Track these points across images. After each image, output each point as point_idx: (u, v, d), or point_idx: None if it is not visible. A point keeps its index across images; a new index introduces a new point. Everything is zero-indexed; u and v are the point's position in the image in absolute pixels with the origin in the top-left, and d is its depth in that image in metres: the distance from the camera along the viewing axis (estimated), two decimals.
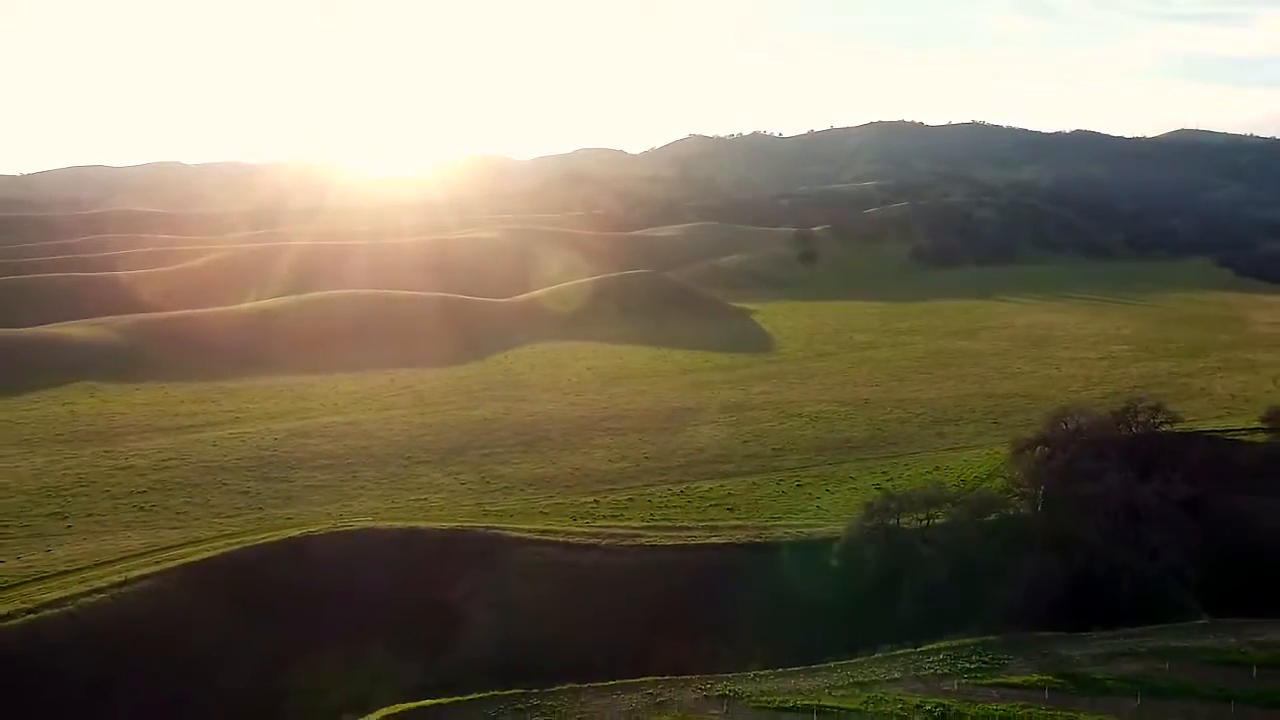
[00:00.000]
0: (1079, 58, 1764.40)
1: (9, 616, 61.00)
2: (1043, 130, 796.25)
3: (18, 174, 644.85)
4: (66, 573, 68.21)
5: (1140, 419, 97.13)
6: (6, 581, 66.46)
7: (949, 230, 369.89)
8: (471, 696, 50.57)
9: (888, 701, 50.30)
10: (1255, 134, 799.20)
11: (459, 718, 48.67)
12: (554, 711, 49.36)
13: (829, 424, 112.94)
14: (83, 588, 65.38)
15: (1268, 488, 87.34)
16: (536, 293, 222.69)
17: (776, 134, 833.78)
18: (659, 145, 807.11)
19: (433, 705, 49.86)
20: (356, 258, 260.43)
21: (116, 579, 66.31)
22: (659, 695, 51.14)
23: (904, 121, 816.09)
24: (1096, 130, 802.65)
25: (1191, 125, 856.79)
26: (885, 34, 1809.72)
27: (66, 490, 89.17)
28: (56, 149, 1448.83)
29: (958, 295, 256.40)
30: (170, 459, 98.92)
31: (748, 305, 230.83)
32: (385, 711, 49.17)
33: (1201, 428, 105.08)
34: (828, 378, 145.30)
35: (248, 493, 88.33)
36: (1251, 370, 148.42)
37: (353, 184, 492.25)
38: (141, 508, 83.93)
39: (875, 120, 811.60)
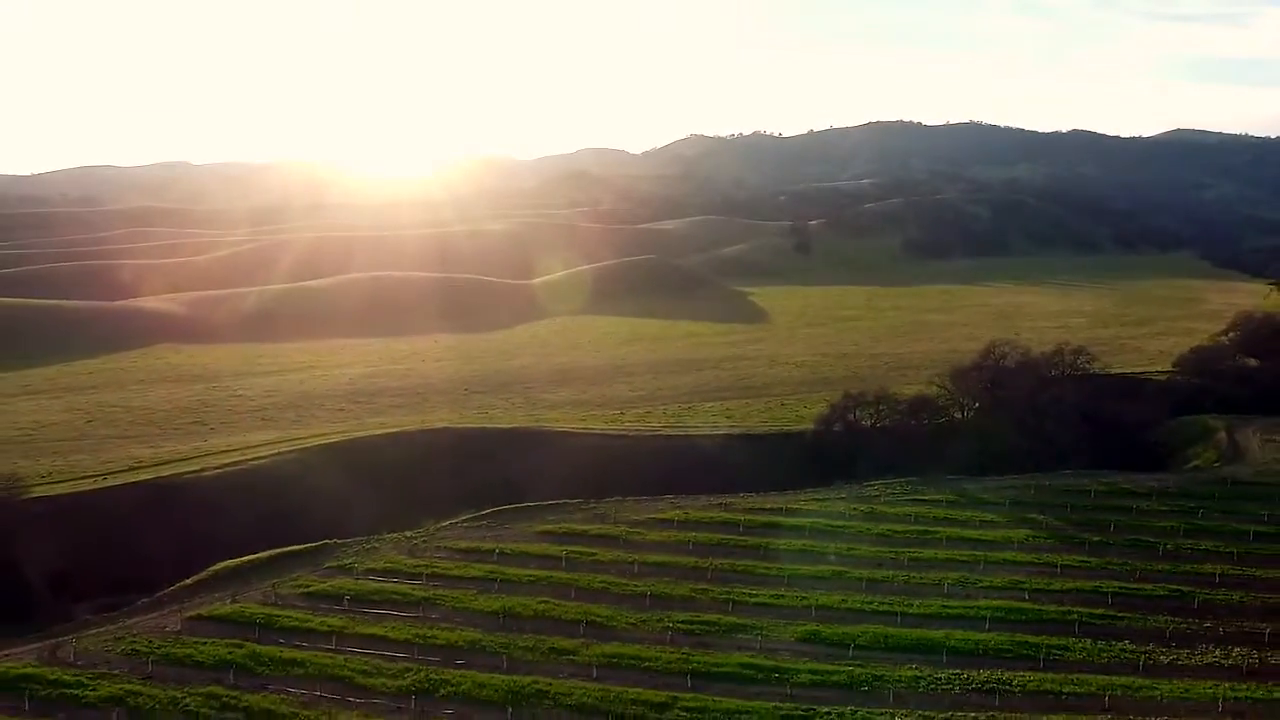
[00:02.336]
0: (1078, 58, 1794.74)
1: (199, 471, 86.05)
2: (1040, 130, 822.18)
3: (28, 174, 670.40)
4: (225, 451, 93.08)
5: (1066, 359, 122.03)
6: (186, 455, 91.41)
7: (940, 225, 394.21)
8: (546, 502, 75.43)
9: (834, 505, 75.13)
10: (1250, 134, 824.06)
11: (542, 511, 73.56)
12: (603, 509, 74.24)
13: (811, 369, 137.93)
14: (243, 458, 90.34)
15: (1158, 407, 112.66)
16: (551, 276, 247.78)
17: (776, 134, 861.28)
18: (660, 145, 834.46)
19: (522, 506, 74.70)
20: (372, 250, 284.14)
21: (269, 452, 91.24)
22: (677, 503, 76.03)
23: (902, 121, 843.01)
24: (1093, 130, 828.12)
25: (1189, 125, 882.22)
26: (885, 34, 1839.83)
27: (195, 409, 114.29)
28: (64, 149, 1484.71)
29: (944, 282, 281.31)
30: (270, 391, 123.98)
31: (745, 289, 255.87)
32: (492, 510, 73.91)
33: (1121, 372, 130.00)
34: (814, 340, 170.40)
35: (342, 410, 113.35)
36: (1187, 335, 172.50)
37: (357, 183, 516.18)
38: (263, 418, 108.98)
39: (874, 120, 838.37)
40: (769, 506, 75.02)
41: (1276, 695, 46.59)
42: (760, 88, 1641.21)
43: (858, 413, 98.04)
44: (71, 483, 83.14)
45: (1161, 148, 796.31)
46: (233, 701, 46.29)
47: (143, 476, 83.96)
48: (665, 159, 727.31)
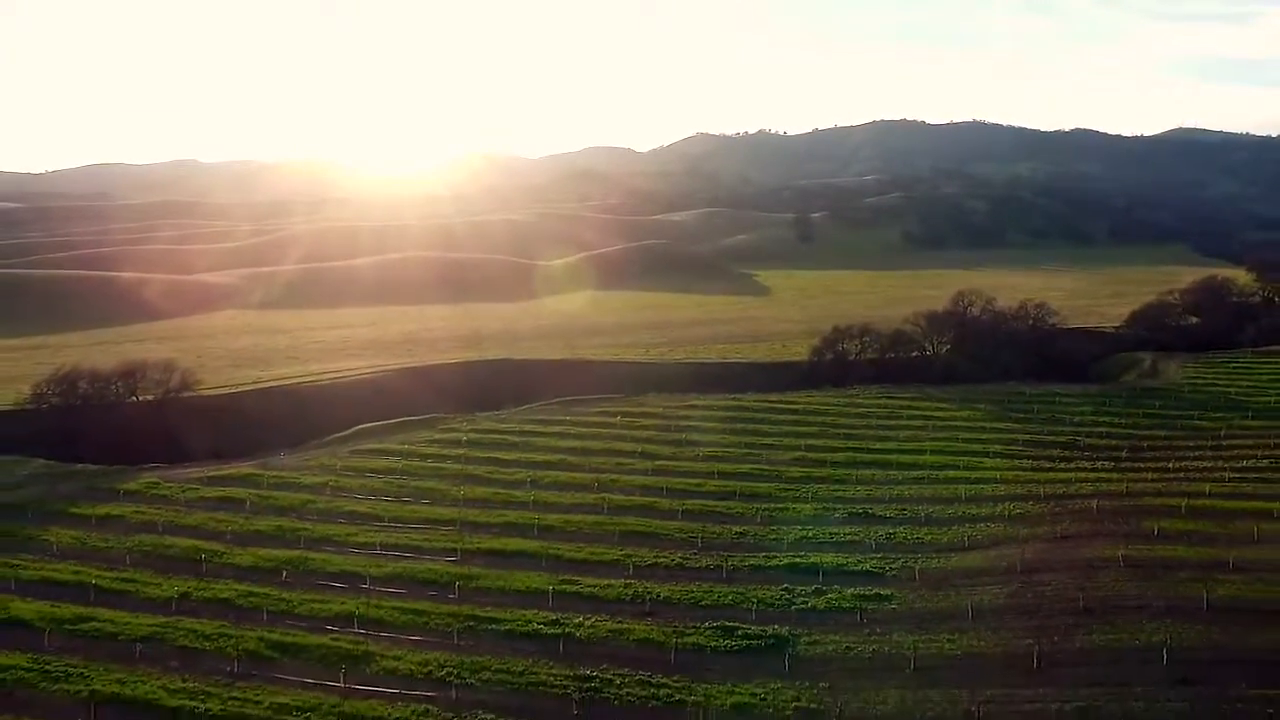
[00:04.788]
0: (1081, 56, 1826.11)
1: (310, 382, 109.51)
2: (1042, 129, 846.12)
3: (42, 171, 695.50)
4: (327, 373, 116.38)
5: (1029, 313, 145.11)
6: (296, 375, 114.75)
7: (938, 218, 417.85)
8: (596, 395, 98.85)
9: (829, 399, 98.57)
10: (1252, 132, 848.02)
11: (596, 401, 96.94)
12: (643, 400, 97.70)
13: (808, 324, 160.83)
14: (347, 374, 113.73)
15: (1104, 347, 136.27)
16: (569, 258, 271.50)
17: (781, 132, 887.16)
18: (667, 143, 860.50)
19: (578, 398, 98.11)
20: (381, 241, 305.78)
21: (366, 372, 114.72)
22: (700, 397, 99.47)
23: (906, 120, 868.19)
24: (1096, 129, 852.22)
25: (1192, 124, 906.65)
26: (889, 33, 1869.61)
27: (286, 350, 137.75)
28: (76, 147, 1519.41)
29: (939, 268, 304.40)
30: (342, 339, 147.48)
31: (750, 271, 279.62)
32: (556, 400, 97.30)
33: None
34: (812, 308, 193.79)
35: (411, 352, 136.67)
36: None
37: (364, 181, 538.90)
38: (350, 355, 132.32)
39: (877, 119, 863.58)
40: (771, 399, 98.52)
41: (1114, 477, 69.81)
42: (765, 86, 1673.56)
43: (846, 344, 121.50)
44: (212, 389, 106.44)
45: (1164, 146, 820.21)
46: (406, 483, 69.74)
47: (269, 385, 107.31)
48: (671, 157, 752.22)
